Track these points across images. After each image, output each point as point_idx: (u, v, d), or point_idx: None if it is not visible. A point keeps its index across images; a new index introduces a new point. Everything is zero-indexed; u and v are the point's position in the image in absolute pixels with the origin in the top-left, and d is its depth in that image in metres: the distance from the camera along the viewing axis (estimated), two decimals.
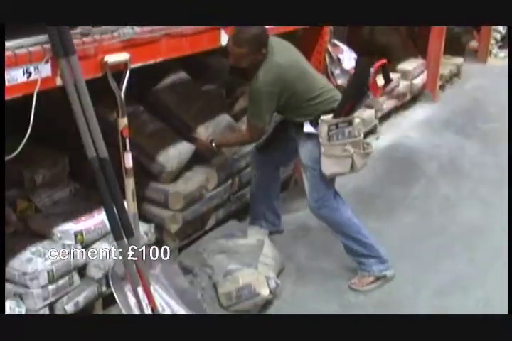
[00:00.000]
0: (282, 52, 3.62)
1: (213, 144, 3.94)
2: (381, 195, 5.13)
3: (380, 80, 4.09)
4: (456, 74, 8.66)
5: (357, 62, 3.83)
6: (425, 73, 7.51)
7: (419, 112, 7.29)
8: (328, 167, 3.64)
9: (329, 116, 3.59)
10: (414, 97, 7.45)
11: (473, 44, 10.09)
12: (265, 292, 3.55)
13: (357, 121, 3.68)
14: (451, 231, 4.61)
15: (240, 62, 3.52)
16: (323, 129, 3.58)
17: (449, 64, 8.39)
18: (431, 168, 5.77)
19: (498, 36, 10.48)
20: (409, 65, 7.26)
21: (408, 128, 6.80)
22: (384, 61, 3.76)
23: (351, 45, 5.24)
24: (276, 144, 4.09)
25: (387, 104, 6.76)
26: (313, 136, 3.67)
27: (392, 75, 6.78)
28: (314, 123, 3.65)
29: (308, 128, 3.70)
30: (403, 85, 6.99)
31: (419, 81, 7.34)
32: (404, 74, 7.05)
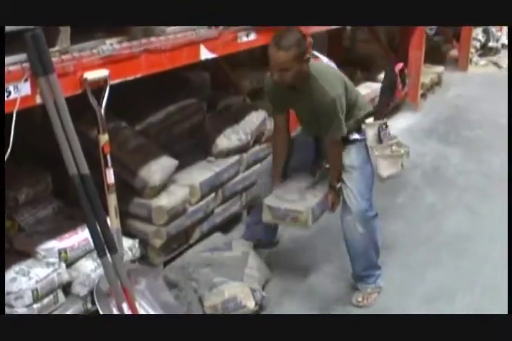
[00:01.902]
0: (321, 64, 3.73)
1: (338, 184, 3.74)
2: None
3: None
4: (438, 83, 8.72)
5: (388, 63, 4.05)
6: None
7: (402, 121, 7.32)
8: (385, 169, 3.72)
9: (371, 120, 3.70)
10: (396, 106, 7.48)
11: (454, 52, 10.18)
12: (251, 304, 3.55)
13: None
14: (437, 239, 4.63)
15: (287, 72, 3.24)
16: (371, 133, 3.64)
17: (429, 73, 8.45)
18: (415, 176, 5.78)
19: (478, 44, 10.60)
20: None
21: None
22: (402, 65, 3.87)
23: (332, 56, 5.27)
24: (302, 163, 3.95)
25: None
26: (355, 141, 3.68)
27: (374, 85, 6.91)
28: (358, 130, 3.69)
29: (354, 135, 3.69)
30: None
31: None
32: None
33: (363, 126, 3.68)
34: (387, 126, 3.68)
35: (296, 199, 3.68)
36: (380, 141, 3.64)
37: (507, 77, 9.45)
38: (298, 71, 3.26)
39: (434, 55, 8.99)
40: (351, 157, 3.67)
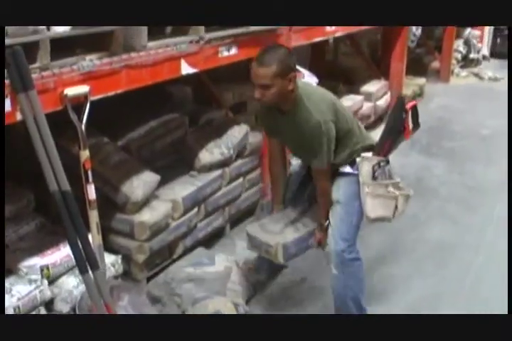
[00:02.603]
0: (313, 86, 3.53)
1: (326, 222, 3.55)
2: None
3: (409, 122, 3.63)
4: (420, 94, 8.76)
5: (397, 100, 3.59)
6: (388, 94, 7.59)
7: None
8: (374, 209, 3.37)
9: (369, 154, 3.43)
10: (379, 118, 7.51)
11: (435, 64, 10.25)
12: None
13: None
14: (420, 249, 4.65)
15: (268, 89, 3.11)
16: (366, 168, 3.36)
17: (411, 84, 8.50)
18: None
19: (459, 56, 10.68)
20: (373, 86, 7.34)
21: None
22: (414, 103, 3.51)
23: (314, 69, 5.29)
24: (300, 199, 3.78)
25: None
26: (347, 175, 3.48)
27: (356, 97, 6.94)
28: (351, 163, 3.47)
29: (345, 168, 3.50)
30: (367, 107, 7.05)
31: (382, 102, 7.42)
32: (368, 96, 7.12)
33: (358, 160, 3.44)
34: (387, 164, 3.40)
35: (275, 232, 3.58)
36: (373, 177, 3.36)
37: (489, 88, 9.59)
38: (280, 89, 3.12)
39: (416, 67, 9.06)
40: (339, 191, 3.49)
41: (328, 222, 3.52)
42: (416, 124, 3.48)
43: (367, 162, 3.37)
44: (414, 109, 3.47)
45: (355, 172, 3.44)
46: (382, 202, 3.37)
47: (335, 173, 3.48)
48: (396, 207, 3.39)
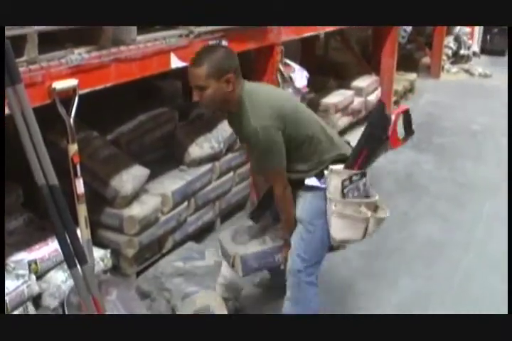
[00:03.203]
0: (262, 87, 3.23)
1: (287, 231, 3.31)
2: None
3: (401, 130, 3.17)
4: (410, 90, 8.79)
5: (376, 106, 3.30)
6: (379, 89, 7.59)
7: None
8: (340, 230, 3.04)
9: (339, 166, 3.06)
10: (369, 113, 7.52)
11: (426, 60, 10.26)
12: (223, 313, 3.53)
13: (367, 175, 3.08)
14: (410, 247, 4.64)
15: (203, 91, 2.93)
16: (335, 182, 2.99)
17: (402, 80, 8.52)
18: (388, 183, 5.80)
19: (450, 52, 10.71)
20: (363, 81, 7.34)
21: None
22: (406, 107, 3.11)
23: (305, 64, 5.29)
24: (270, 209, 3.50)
25: (342, 120, 6.80)
26: (315, 189, 3.14)
27: (347, 92, 6.93)
28: (318, 175, 3.14)
29: (311, 180, 3.16)
30: (357, 102, 7.06)
31: (373, 97, 7.41)
32: (358, 91, 7.12)
33: (326, 172, 3.08)
34: (361, 178, 3.00)
35: (240, 242, 3.42)
36: (343, 194, 2.97)
37: (480, 84, 9.62)
38: (216, 91, 2.92)
39: (407, 63, 9.08)
40: (301, 207, 3.21)
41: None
42: (408, 131, 3.10)
43: (336, 175, 3.01)
44: (407, 114, 3.10)
45: (323, 186, 3.10)
46: (350, 223, 3.00)
47: (300, 185, 3.18)
48: (365, 230, 3.03)
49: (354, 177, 2.97)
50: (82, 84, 2.93)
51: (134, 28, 3.16)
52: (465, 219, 5.06)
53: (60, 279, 3.30)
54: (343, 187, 2.95)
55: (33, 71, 2.71)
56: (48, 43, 2.79)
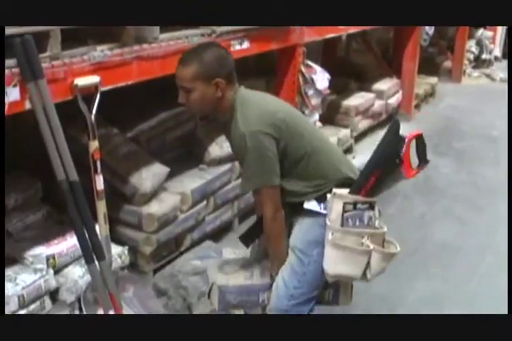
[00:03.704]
0: (260, 95, 2.85)
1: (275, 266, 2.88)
2: None
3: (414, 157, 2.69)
4: (431, 94, 8.75)
5: (390, 124, 2.62)
6: (400, 93, 7.57)
7: None
8: (334, 263, 2.64)
9: (344, 190, 2.64)
10: (390, 116, 7.50)
11: (447, 64, 10.22)
12: (240, 312, 3.52)
13: (377, 206, 2.67)
14: (426, 249, 4.62)
15: (189, 93, 2.64)
16: (336, 207, 2.59)
17: (423, 83, 8.49)
18: (406, 186, 5.77)
19: (472, 56, 10.66)
20: (384, 84, 7.33)
21: None
22: (418, 132, 2.62)
23: (326, 66, 5.29)
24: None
25: (363, 123, 6.80)
26: (315, 214, 2.73)
27: (368, 95, 6.91)
28: (319, 199, 2.73)
29: (311, 204, 2.74)
30: (378, 105, 7.05)
31: (394, 100, 7.40)
32: (379, 94, 7.11)
33: (329, 196, 2.66)
34: (368, 208, 2.61)
35: (226, 272, 3.05)
36: (342, 221, 2.59)
37: (501, 89, 9.54)
38: (203, 96, 2.63)
39: (428, 66, 9.03)
40: (296, 233, 2.82)
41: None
42: (423, 159, 2.66)
43: (339, 200, 2.59)
44: (420, 140, 2.63)
45: (323, 211, 2.70)
46: (347, 255, 2.61)
47: (297, 210, 2.79)
48: (369, 264, 2.65)
49: (359, 205, 2.59)
50: (103, 81, 2.95)
51: (157, 27, 3.18)
52: (483, 223, 5.03)
53: (78, 274, 3.31)
54: (344, 211, 2.58)
55: (55, 67, 2.74)
56: (70, 40, 2.82)
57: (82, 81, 2.85)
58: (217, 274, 3.03)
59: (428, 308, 3.84)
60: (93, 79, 2.91)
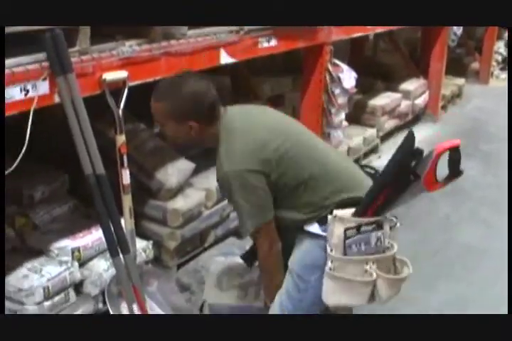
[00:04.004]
0: (251, 119, 2.62)
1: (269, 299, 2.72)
2: None
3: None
4: (458, 95, 8.69)
5: (405, 137, 2.36)
6: (427, 93, 7.53)
7: (421, 132, 7.27)
8: (333, 294, 2.45)
9: (347, 212, 2.41)
10: (416, 117, 7.47)
11: (475, 65, 10.14)
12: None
13: (386, 224, 2.46)
14: (450, 251, 4.59)
15: (163, 127, 2.58)
16: (337, 232, 2.37)
17: (450, 84, 8.43)
18: None
19: (500, 58, 10.55)
20: (411, 84, 7.29)
21: None
22: (455, 143, 2.31)
23: (353, 65, 5.28)
24: None
25: (389, 123, 6.78)
26: (316, 236, 2.54)
27: (394, 95, 6.88)
28: (320, 221, 2.53)
29: (312, 227, 2.56)
30: (404, 105, 7.02)
31: (420, 101, 7.36)
32: (406, 94, 7.08)
33: (330, 218, 2.42)
34: (373, 230, 2.39)
35: (222, 288, 3.04)
36: (344, 248, 2.37)
37: None
38: (176, 135, 2.54)
39: (456, 67, 8.97)
40: (295, 256, 2.62)
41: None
42: (454, 172, 2.36)
43: (339, 224, 2.36)
44: (455, 151, 2.32)
45: (325, 234, 2.48)
46: (347, 286, 2.42)
47: (297, 231, 2.62)
48: (375, 292, 2.47)
49: (364, 228, 2.37)
50: (131, 77, 2.98)
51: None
52: (507, 225, 4.98)
53: (102, 267, 3.33)
54: (345, 237, 2.35)
55: (84, 61, 2.77)
56: (99, 35, 2.84)
57: (110, 76, 2.87)
58: (212, 289, 2.99)
59: (452, 310, 3.82)
60: (121, 74, 2.93)
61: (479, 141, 7.09)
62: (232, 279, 3.06)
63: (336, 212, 2.40)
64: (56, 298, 3.15)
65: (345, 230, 2.35)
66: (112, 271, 3.21)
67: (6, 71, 2.43)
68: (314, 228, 2.54)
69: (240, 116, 2.60)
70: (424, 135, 7.17)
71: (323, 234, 2.48)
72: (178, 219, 3.83)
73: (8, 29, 2.40)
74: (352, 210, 2.41)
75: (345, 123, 5.22)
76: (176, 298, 3.46)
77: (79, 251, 3.29)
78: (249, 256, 2.94)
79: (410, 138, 2.33)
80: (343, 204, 2.48)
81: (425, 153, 2.33)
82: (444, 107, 8.08)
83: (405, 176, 2.32)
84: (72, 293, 3.24)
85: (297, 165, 2.51)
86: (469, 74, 9.91)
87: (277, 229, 2.59)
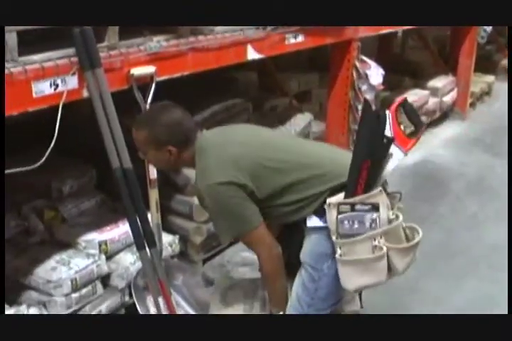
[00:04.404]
0: (222, 136, 2.71)
1: (280, 313, 2.70)
2: (407, 212, 5.09)
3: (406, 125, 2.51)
4: (487, 93, 8.61)
5: (363, 106, 2.48)
6: (455, 90, 7.48)
7: (449, 130, 7.26)
8: (351, 278, 2.46)
9: (339, 196, 2.44)
10: (444, 114, 7.42)
11: (505, 62, 10.04)
12: None
13: (383, 200, 2.41)
14: (476, 250, 4.56)
15: (145, 155, 2.67)
16: (333, 218, 2.41)
17: (479, 82, 8.35)
18: (459, 185, 5.72)
19: None
20: (439, 82, 7.25)
21: (437, 145, 6.75)
22: (401, 99, 2.45)
23: (381, 62, 5.27)
24: None
25: None
26: (319, 229, 2.56)
27: (422, 92, 6.84)
28: (318, 213, 2.55)
29: (312, 221, 2.58)
30: (432, 102, 6.97)
31: (448, 98, 7.32)
32: (434, 91, 7.04)
33: (326, 207, 2.45)
34: (369, 211, 2.38)
35: (227, 301, 2.99)
36: (338, 233, 2.40)
37: None
38: (157, 159, 2.65)
39: (485, 64, 8.88)
40: (305, 249, 2.63)
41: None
42: (417, 124, 2.47)
43: (335, 209, 2.40)
44: (406, 105, 2.45)
45: (326, 224, 2.49)
46: (361, 268, 2.42)
47: (303, 227, 2.64)
48: (391, 265, 2.44)
49: (359, 206, 2.38)
50: (159, 72, 3.01)
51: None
52: (508, 199, 4.94)
53: (129, 261, 3.37)
54: (339, 212, 2.38)
55: (112, 57, 2.80)
56: (127, 30, 2.87)
57: (138, 71, 2.90)
58: (218, 305, 2.97)
59: (477, 310, 3.80)
60: (149, 69, 2.96)
61: (508, 139, 7.04)
62: (237, 292, 3.04)
63: (329, 200, 2.43)
64: (84, 290, 3.18)
65: (339, 204, 2.38)
66: (139, 264, 3.24)
67: (36, 66, 2.47)
68: (315, 222, 2.56)
69: (212, 135, 2.70)
70: (451, 132, 7.15)
71: (325, 224, 2.48)
72: (203, 214, 3.84)
73: (38, 25, 2.43)
74: (342, 195, 2.43)
75: None
76: (201, 293, 3.47)
77: (106, 244, 3.33)
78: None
79: (368, 106, 2.41)
80: (335, 191, 2.50)
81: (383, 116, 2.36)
82: (472, 105, 8.01)
83: (378, 143, 2.34)
84: (99, 285, 3.28)
85: (276, 173, 2.54)
86: (499, 71, 9.82)
87: (282, 233, 2.71)
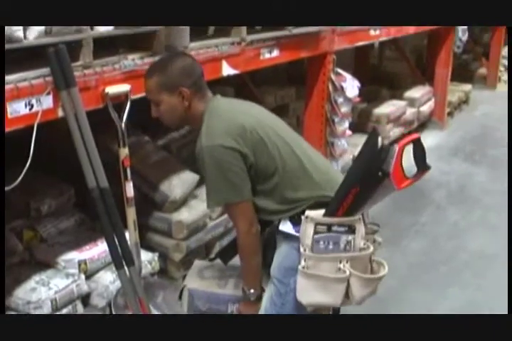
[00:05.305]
0: (232, 104, 2.76)
1: (251, 291, 2.66)
2: (389, 222, 5.08)
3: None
4: (465, 101, 8.69)
5: (371, 132, 2.37)
6: (433, 100, 7.54)
7: (427, 140, 7.27)
8: (306, 292, 2.45)
9: (318, 212, 2.41)
10: (422, 124, 7.47)
11: (482, 71, 10.14)
12: None
13: (359, 228, 2.41)
14: (459, 258, 4.59)
15: (158, 106, 2.63)
16: (308, 231, 2.39)
17: (457, 91, 8.43)
18: (439, 195, 5.76)
19: (507, 63, 10.54)
20: (417, 92, 7.31)
21: None
22: (416, 136, 2.31)
23: (358, 74, 5.29)
24: None
25: (394, 131, 6.78)
26: (291, 238, 2.55)
27: (399, 102, 6.88)
28: (294, 220, 2.54)
29: (285, 226, 2.57)
30: (410, 112, 7.03)
31: (426, 108, 7.37)
32: (411, 102, 7.09)
33: (302, 219, 2.43)
34: (345, 233, 2.38)
35: (203, 277, 2.99)
36: (312, 246, 2.38)
37: None
38: (170, 107, 2.60)
39: (463, 73, 8.98)
40: (275, 261, 2.62)
41: (255, 292, 2.67)
42: (421, 166, 2.33)
43: (310, 224, 2.38)
44: (417, 144, 2.30)
45: (297, 234, 2.48)
46: (320, 284, 2.40)
47: (275, 230, 2.62)
48: (350, 291, 2.42)
49: (335, 228, 2.37)
50: (134, 90, 2.99)
51: (187, 35, 3.20)
52: (508, 202, 4.98)
53: (109, 280, 3.36)
54: (315, 232, 2.37)
55: (87, 75, 2.78)
56: (102, 48, 2.87)
57: (112, 89, 2.89)
58: (193, 277, 2.99)
59: None
60: (124, 87, 2.95)
61: (487, 148, 7.10)
62: (214, 271, 3.05)
63: (307, 212, 2.42)
64: (64, 310, 3.17)
65: (316, 225, 2.37)
66: (118, 283, 3.20)
67: (11, 86, 2.45)
68: (288, 228, 2.55)
69: (225, 102, 2.73)
70: (430, 142, 7.18)
71: (297, 234, 2.48)
72: (182, 231, 3.85)
73: (13, 45, 2.42)
74: (322, 211, 2.41)
75: (348, 132, 5.21)
76: (182, 310, 3.47)
77: (85, 263, 3.32)
78: (225, 253, 3.02)
79: (374, 135, 2.32)
80: (318, 204, 2.49)
81: (390, 150, 2.26)
82: (450, 114, 8.08)
83: (373, 174, 2.26)
84: (79, 305, 3.27)
85: (274, 152, 2.54)
86: (476, 79, 9.92)
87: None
